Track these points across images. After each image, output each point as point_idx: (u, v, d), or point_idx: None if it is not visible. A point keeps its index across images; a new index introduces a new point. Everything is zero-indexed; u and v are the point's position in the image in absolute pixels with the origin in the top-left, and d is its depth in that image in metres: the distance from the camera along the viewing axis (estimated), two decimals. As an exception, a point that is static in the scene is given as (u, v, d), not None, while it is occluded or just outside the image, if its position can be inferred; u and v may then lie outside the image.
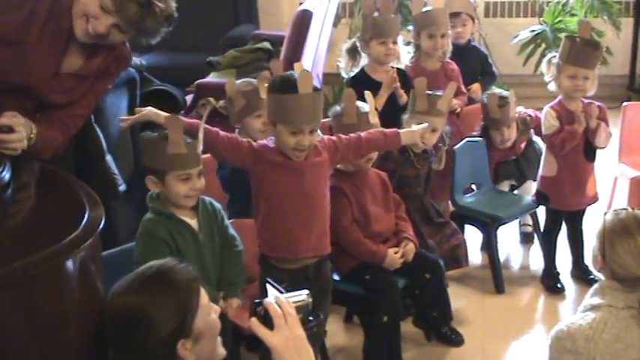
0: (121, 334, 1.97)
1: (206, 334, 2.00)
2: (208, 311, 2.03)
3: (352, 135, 3.06)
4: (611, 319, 2.31)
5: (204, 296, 2.02)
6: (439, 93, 3.66)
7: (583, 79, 3.76)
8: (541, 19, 6.62)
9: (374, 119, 3.25)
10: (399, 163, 3.57)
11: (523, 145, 4.40)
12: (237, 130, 3.48)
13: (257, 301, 1.78)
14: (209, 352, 2.02)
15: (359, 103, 3.27)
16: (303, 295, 1.83)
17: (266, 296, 1.79)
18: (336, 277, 3.40)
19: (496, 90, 4.37)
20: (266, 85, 3.34)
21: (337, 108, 3.36)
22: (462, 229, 4.24)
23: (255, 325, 1.76)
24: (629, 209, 2.44)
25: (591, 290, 2.45)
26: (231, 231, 2.89)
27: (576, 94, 3.81)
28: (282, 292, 1.80)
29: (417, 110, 3.57)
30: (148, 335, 1.93)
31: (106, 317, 1.99)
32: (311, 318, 1.81)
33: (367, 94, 3.30)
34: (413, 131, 3.22)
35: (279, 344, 1.73)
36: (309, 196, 2.91)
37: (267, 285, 1.83)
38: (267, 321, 1.74)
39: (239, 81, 3.54)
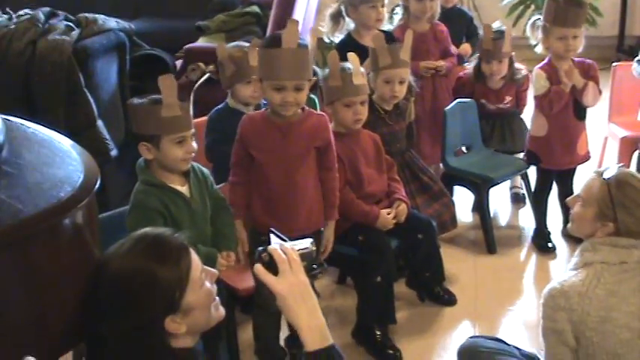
0: (110, 302, 1.90)
1: (198, 306, 1.93)
2: (200, 283, 1.94)
3: (336, 173, 3.05)
4: (603, 274, 2.33)
5: (195, 268, 1.94)
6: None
7: (573, 39, 3.76)
8: (530, -20, 6.61)
9: (357, 80, 3.22)
10: (372, 123, 3.53)
11: (508, 99, 4.35)
12: (229, 94, 3.47)
13: (261, 248, 1.77)
14: (203, 320, 1.98)
15: (344, 65, 3.26)
16: (307, 243, 1.82)
17: (269, 244, 1.79)
18: (329, 239, 3.42)
19: (494, 24, 4.28)
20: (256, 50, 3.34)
21: (327, 71, 3.35)
22: (452, 191, 4.26)
23: (259, 270, 1.74)
24: (613, 169, 2.44)
25: (580, 248, 2.46)
26: (220, 193, 2.90)
27: (568, 54, 3.81)
28: (285, 241, 1.80)
29: (382, 66, 3.50)
30: (135, 310, 1.87)
31: (97, 284, 1.93)
32: (315, 266, 1.81)
33: (350, 55, 3.29)
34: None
35: (283, 289, 1.73)
36: (294, 182, 2.92)
37: (271, 234, 1.83)
38: (272, 267, 1.73)
39: (230, 45, 3.52)
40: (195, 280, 1.92)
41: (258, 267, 1.75)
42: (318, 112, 3.04)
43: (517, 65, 4.27)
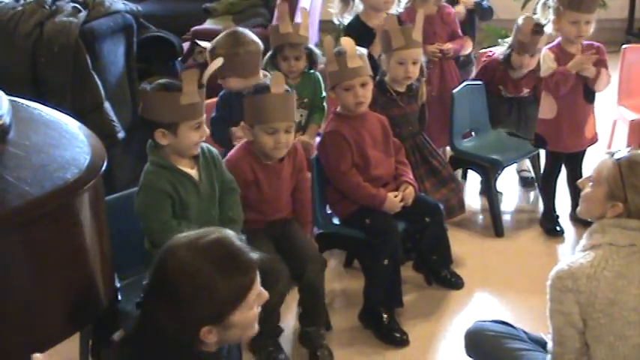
0: (162, 286, 1.88)
1: (239, 326, 1.92)
2: (252, 305, 1.92)
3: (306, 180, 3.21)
4: (612, 256, 2.32)
5: (253, 291, 1.91)
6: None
7: (585, 24, 3.74)
8: (539, -38, 6.55)
9: (353, 63, 3.21)
10: (383, 105, 3.54)
11: (526, 91, 4.33)
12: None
13: None
14: (236, 338, 1.97)
15: (340, 48, 3.25)
16: None
17: None
18: (336, 222, 3.42)
19: (535, 16, 4.19)
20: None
21: (333, 53, 3.34)
22: (465, 174, 4.24)
23: None
24: (624, 150, 2.43)
25: (589, 230, 2.45)
26: (228, 174, 2.91)
27: (579, 39, 3.79)
28: None
29: (395, 47, 3.49)
30: (185, 304, 1.84)
31: (156, 263, 1.90)
32: None
33: (343, 39, 3.29)
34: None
35: None
36: (279, 196, 3.10)
37: None
38: None
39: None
40: (249, 303, 1.91)
41: None
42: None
43: None
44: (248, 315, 1.92)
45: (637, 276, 2.30)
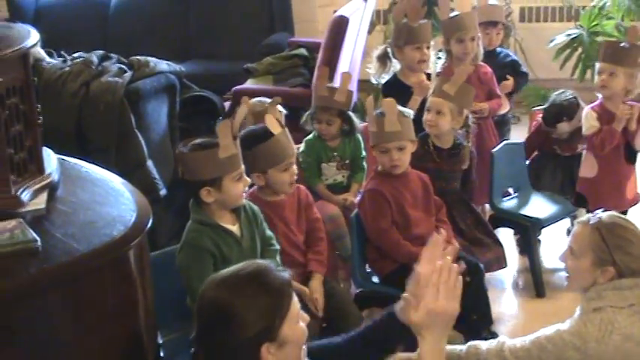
0: (207, 329, 1.95)
1: (292, 341, 1.96)
2: (297, 319, 1.99)
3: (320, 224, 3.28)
4: (617, 318, 2.31)
5: (295, 303, 1.99)
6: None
7: (608, 75, 3.76)
8: (577, 23, 6.58)
9: (389, 127, 3.24)
10: (419, 157, 3.54)
11: (580, 147, 4.30)
12: None
13: None
14: (293, 359, 2.00)
15: (381, 110, 3.30)
16: None
17: None
18: (375, 280, 3.41)
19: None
20: (278, 108, 3.45)
21: (373, 114, 3.38)
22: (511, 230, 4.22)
23: None
24: (596, 215, 2.42)
25: (585, 298, 2.42)
26: (268, 232, 2.93)
27: (603, 90, 3.82)
28: None
29: (428, 94, 3.61)
30: (233, 333, 1.91)
31: (195, 311, 2.00)
32: None
33: (384, 101, 3.35)
34: None
35: None
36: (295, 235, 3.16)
37: None
38: None
39: (253, 100, 3.62)
40: (294, 314, 1.97)
41: None
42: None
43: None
44: (297, 329, 1.98)
45: None
